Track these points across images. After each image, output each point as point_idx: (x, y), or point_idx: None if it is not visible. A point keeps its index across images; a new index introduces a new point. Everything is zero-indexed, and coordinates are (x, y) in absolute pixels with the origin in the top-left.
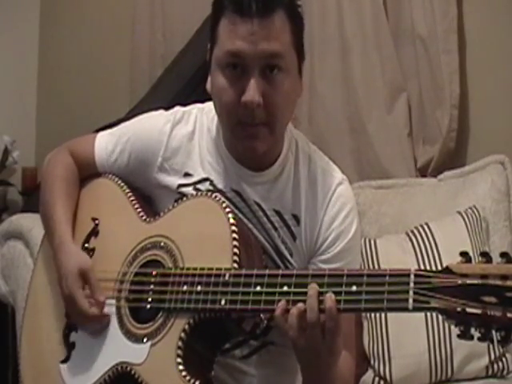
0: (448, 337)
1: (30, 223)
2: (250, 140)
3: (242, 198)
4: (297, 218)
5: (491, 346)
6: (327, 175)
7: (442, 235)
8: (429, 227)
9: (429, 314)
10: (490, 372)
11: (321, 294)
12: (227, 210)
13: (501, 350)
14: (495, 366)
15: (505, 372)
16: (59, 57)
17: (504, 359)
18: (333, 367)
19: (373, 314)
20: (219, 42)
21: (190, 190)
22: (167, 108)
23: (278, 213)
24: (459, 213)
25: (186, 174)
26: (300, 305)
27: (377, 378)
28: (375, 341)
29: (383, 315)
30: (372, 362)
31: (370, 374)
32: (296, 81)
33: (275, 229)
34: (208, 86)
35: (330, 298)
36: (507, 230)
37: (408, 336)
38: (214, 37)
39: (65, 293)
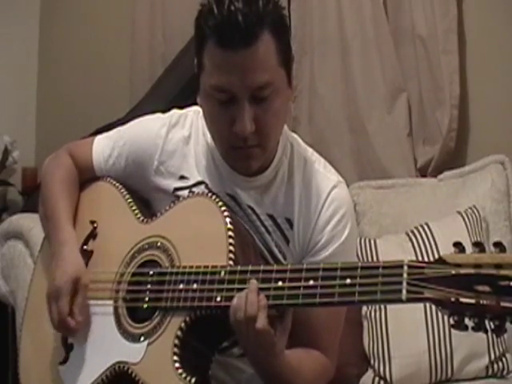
0: (448, 337)
1: (30, 223)
2: (244, 161)
3: (236, 203)
4: (290, 222)
5: (491, 346)
6: (322, 178)
7: (442, 235)
8: (429, 227)
9: (429, 313)
10: (490, 372)
11: (314, 287)
12: (223, 208)
13: (501, 350)
14: (495, 365)
15: (505, 372)
16: (59, 57)
17: (504, 359)
18: (272, 367)
19: (373, 314)
20: (205, 71)
21: (185, 193)
22: (166, 109)
23: (271, 217)
24: (459, 213)
25: (182, 177)
26: (238, 300)
27: (377, 378)
28: (375, 341)
29: (383, 315)
30: (372, 361)
31: (369, 373)
32: (286, 93)
33: (269, 233)
34: (198, 99)
35: (252, 284)
36: (507, 230)
37: (408, 336)
38: (199, 61)
39: (55, 283)
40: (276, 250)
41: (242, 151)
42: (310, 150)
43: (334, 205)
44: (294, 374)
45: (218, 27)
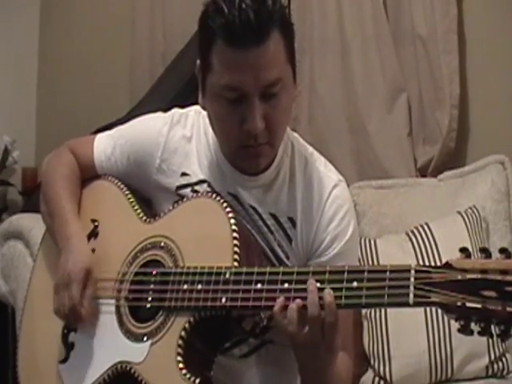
0: (448, 337)
1: (30, 223)
2: (253, 159)
3: (238, 202)
4: (292, 221)
5: (491, 346)
6: (323, 177)
7: (442, 235)
8: (429, 227)
9: (429, 313)
10: (490, 372)
11: (320, 290)
12: (228, 209)
13: (501, 350)
14: (495, 365)
15: (505, 372)
16: (59, 57)
17: (504, 359)
18: (331, 365)
19: (373, 314)
20: (214, 71)
21: (188, 191)
22: (166, 109)
23: (273, 216)
24: (459, 213)
25: (184, 174)
26: (298, 300)
27: (377, 378)
28: (375, 341)
29: (383, 315)
30: (372, 361)
31: (369, 373)
32: (292, 90)
33: (271, 232)
34: (200, 101)
35: (328, 294)
36: (507, 230)
37: (408, 336)
38: (206, 62)
39: (69, 268)
40: (279, 250)
41: (252, 150)
42: (310, 148)
43: (336, 203)
44: (337, 376)
45: (228, 26)
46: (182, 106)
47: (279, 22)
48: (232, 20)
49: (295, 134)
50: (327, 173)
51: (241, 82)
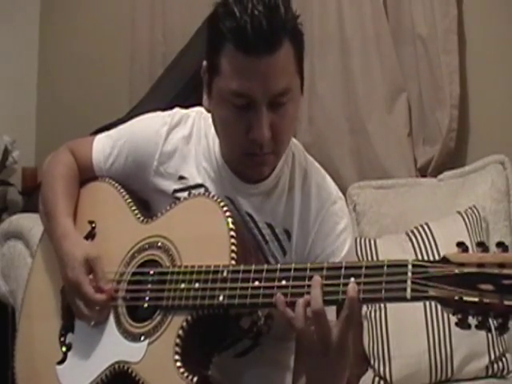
0: (448, 337)
1: (30, 223)
2: (257, 168)
3: (234, 207)
4: (288, 233)
5: (491, 346)
6: (322, 192)
7: (442, 235)
8: (429, 227)
9: (429, 313)
10: (490, 372)
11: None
12: (225, 208)
13: (501, 350)
14: (495, 365)
15: (505, 372)
16: (59, 57)
17: (504, 359)
18: (345, 371)
19: (373, 314)
20: (222, 75)
21: (185, 195)
22: (166, 109)
23: (269, 226)
24: (459, 213)
25: (181, 178)
26: (307, 296)
27: (377, 378)
28: (375, 341)
29: (383, 315)
30: (372, 361)
31: (369, 374)
32: (299, 100)
33: (266, 242)
34: (205, 103)
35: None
36: (507, 230)
37: (408, 336)
38: (214, 64)
39: (69, 279)
40: (272, 261)
41: (257, 158)
42: (309, 158)
43: (333, 220)
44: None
45: (240, 30)
46: (182, 106)
47: (291, 31)
48: (244, 25)
49: (296, 142)
50: (326, 188)
51: (250, 89)
